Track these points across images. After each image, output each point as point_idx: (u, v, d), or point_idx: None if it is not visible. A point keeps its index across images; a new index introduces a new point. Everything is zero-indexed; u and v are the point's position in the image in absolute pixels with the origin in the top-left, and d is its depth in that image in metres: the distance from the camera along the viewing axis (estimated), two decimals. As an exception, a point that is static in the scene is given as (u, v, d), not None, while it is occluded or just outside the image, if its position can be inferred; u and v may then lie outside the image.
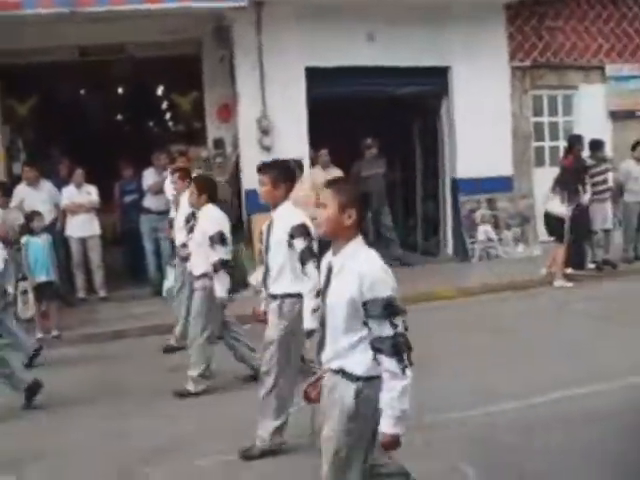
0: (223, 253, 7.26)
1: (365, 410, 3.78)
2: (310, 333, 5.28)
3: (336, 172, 12.72)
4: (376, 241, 13.53)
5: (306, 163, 12.57)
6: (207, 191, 7.52)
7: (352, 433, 3.81)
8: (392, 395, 3.65)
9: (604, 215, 12.41)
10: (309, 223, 5.65)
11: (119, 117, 23.63)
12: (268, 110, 12.57)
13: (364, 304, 3.66)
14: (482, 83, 13.36)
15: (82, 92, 18.83)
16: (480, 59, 13.39)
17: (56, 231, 11.53)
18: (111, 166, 13.89)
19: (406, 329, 3.69)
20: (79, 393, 7.93)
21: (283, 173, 5.88)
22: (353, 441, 3.82)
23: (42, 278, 9.89)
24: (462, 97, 13.51)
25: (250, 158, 11.82)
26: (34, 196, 11.50)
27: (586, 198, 11.81)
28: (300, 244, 5.59)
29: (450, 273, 13.00)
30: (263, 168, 5.98)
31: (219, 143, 13.52)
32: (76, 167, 12.23)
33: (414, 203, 15.25)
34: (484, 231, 13.71)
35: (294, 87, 12.57)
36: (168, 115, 21.04)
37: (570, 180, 11.67)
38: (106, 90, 18.61)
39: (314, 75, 12.58)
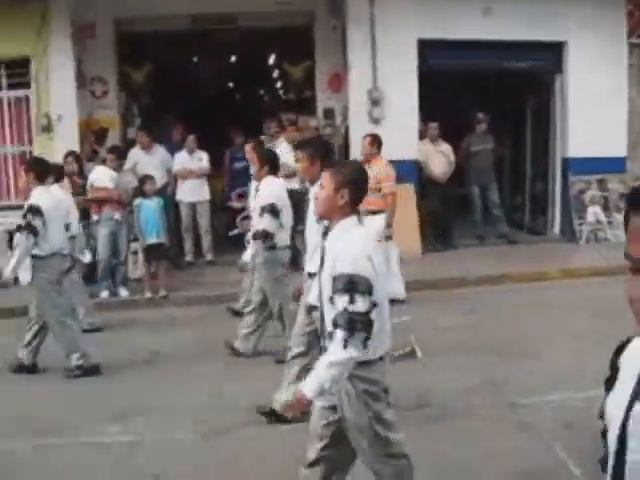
0: (270, 225, 7.23)
1: (368, 387, 3.73)
2: (310, 309, 5.05)
3: (444, 146, 12.68)
4: (483, 217, 13.43)
5: (415, 136, 12.55)
6: (268, 163, 7.56)
7: (362, 413, 3.76)
8: (322, 361, 3.61)
9: None
10: None
11: (231, 85, 23.89)
12: (379, 81, 12.50)
13: (334, 279, 3.64)
14: (598, 60, 12.92)
15: (195, 60, 19.14)
16: (597, 35, 12.94)
17: (167, 195, 11.83)
18: (222, 133, 14.13)
19: (369, 311, 3.59)
20: (183, 352, 8.21)
21: (319, 149, 5.87)
22: (368, 421, 3.76)
23: (152, 240, 10.19)
24: (577, 74, 13.11)
25: (359, 129, 11.78)
26: (147, 160, 11.83)
27: (703, 182, 11.43)
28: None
29: (557, 254, 12.73)
30: (300, 145, 6.01)
31: (329, 113, 13.58)
32: (189, 133, 12.49)
33: (522, 181, 14.97)
34: (593, 212, 13.34)
35: (405, 59, 12.45)
36: (279, 84, 21.15)
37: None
38: (218, 58, 18.86)
39: (426, 47, 12.46)
